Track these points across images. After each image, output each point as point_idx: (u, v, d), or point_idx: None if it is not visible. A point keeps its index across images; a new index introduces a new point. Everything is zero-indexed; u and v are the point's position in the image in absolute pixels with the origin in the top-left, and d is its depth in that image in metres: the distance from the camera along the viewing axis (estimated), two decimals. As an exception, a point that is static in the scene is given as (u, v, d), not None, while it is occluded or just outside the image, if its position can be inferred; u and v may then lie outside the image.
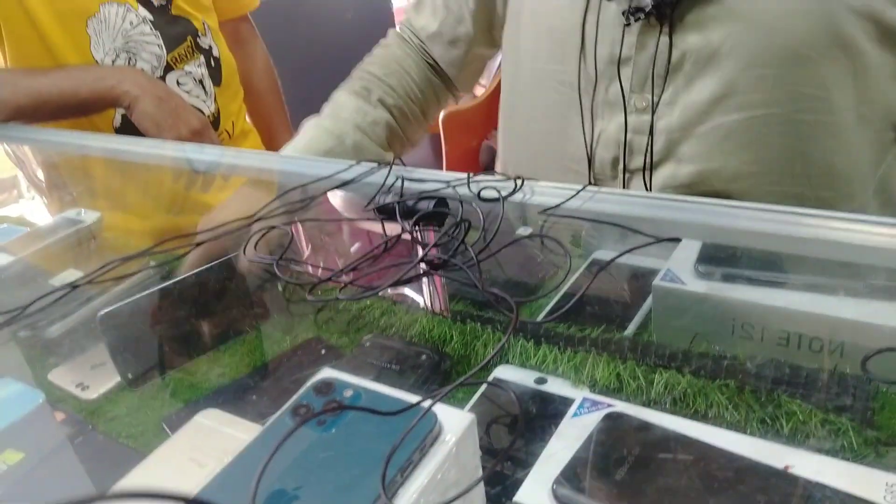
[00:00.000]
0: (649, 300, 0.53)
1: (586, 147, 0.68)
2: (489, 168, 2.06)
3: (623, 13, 0.61)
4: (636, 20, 0.60)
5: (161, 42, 1.03)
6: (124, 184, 0.95)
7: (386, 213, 0.48)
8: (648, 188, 0.66)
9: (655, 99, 0.62)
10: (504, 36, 0.79)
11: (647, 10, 0.59)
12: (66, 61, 0.98)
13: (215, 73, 1.11)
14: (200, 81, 1.08)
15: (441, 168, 1.82)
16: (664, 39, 0.60)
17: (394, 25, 2.90)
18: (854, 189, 0.63)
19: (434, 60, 0.85)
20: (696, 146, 0.62)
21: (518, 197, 0.50)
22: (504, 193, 0.49)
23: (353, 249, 0.63)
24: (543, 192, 0.51)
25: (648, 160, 0.65)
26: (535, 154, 0.76)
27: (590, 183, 0.69)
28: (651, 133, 0.63)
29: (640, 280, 0.55)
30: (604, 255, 0.57)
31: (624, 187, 0.68)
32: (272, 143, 1.29)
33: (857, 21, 0.56)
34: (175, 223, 0.98)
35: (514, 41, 0.76)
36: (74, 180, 1.00)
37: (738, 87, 0.59)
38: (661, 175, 0.65)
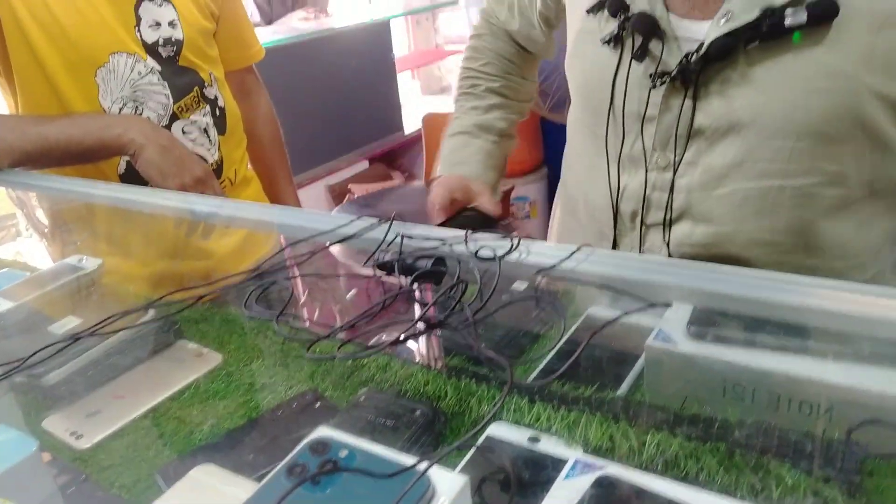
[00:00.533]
0: (642, 359, 0.54)
1: (611, 198, 0.70)
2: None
3: (650, 75, 0.63)
4: (661, 83, 0.63)
5: (168, 92, 1.06)
6: (126, 230, 0.97)
7: (385, 269, 0.49)
8: (666, 244, 0.67)
9: (677, 158, 0.64)
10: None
11: (672, 74, 0.61)
12: (75, 109, 1.00)
13: (220, 122, 1.14)
14: (205, 130, 1.11)
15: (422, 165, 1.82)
16: (688, 103, 0.62)
17: (395, 73, 2.98)
18: (866, 261, 0.65)
19: (520, 44, 0.93)
20: (713, 208, 0.64)
21: (514, 256, 0.52)
22: (500, 253, 0.51)
23: (349, 296, 0.64)
24: (540, 252, 0.53)
25: (667, 217, 0.66)
26: (573, 192, 0.82)
27: (614, 232, 0.72)
28: (671, 191, 0.65)
29: (634, 339, 0.56)
30: (598, 311, 0.58)
31: (641, 241, 0.70)
32: (273, 189, 1.31)
33: (879, 104, 0.57)
34: (176, 270, 0.99)
35: (569, 68, 0.79)
36: (76, 226, 1.02)
37: (756, 156, 0.60)
38: (678, 232, 0.66)
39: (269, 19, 3.03)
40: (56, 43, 0.98)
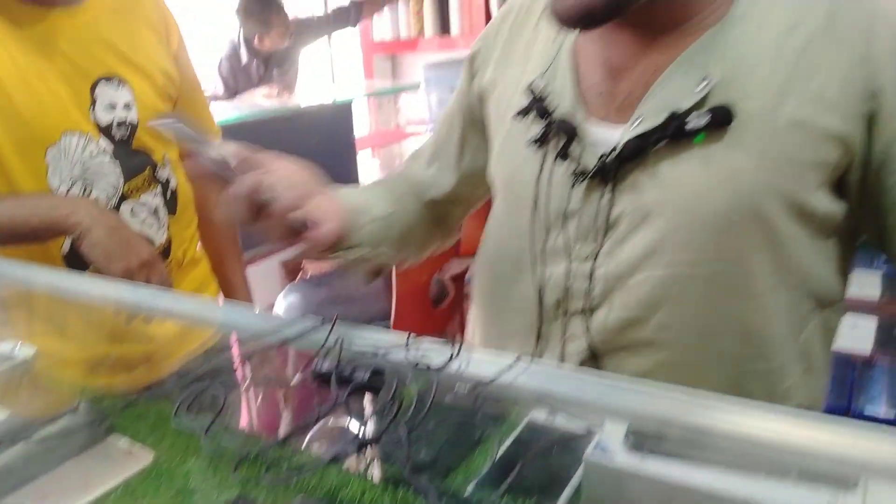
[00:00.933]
0: (580, 472, 0.54)
1: (535, 289, 0.75)
2: (440, 300, 2.09)
3: (572, 174, 0.70)
4: (582, 181, 0.69)
5: (119, 171, 1.06)
6: (65, 314, 0.94)
7: (323, 379, 0.49)
8: (587, 330, 0.71)
9: (596, 250, 0.70)
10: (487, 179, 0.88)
11: (590, 173, 0.68)
12: (22, 187, 0.99)
13: (171, 202, 1.14)
14: (155, 211, 1.10)
15: (391, 300, 1.83)
16: (605, 199, 0.68)
17: (355, 152, 3.02)
18: (771, 350, 0.68)
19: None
20: (628, 296, 0.68)
21: (454, 366, 0.52)
22: (440, 363, 0.51)
23: (284, 405, 0.63)
24: (479, 362, 0.53)
25: (587, 305, 0.71)
26: (493, 293, 0.83)
27: (539, 322, 0.75)
28: (590, 280, 0.70)
29: (572, 452, 0.56)
30: (537, 422, 0.58)
31: (564, 329, 0.74)
32: (222, 269, 1.30)
33: (775, 201, 0.63)
34: (116, 356, 0.97)
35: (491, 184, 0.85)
36: (11, 310, 0.98)
37: (665, 246, 0.66)
38: (598, 319, 0.71)
39: (233, 93, 3.07)
40: (7, 120, 0.97)
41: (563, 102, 0.71)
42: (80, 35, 1.02)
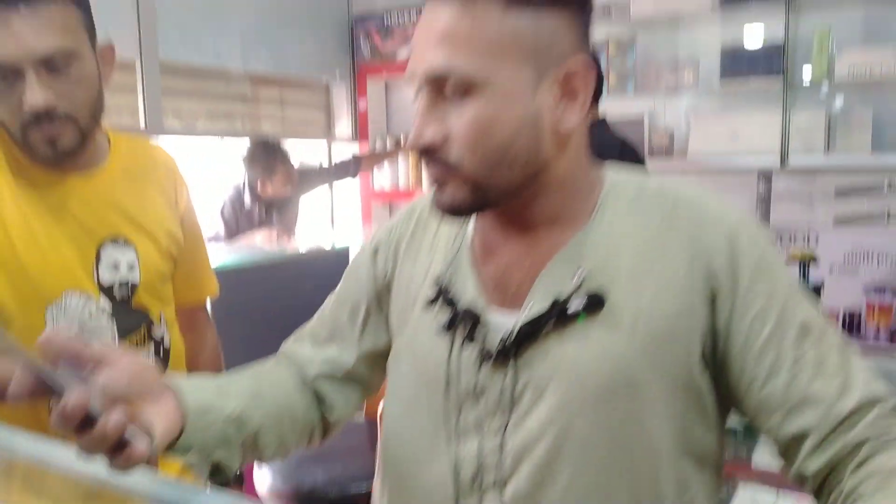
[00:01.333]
0: None
1: (451, 466, 0.79)
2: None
3: (478, 355, 0.77)
4: (487, 361, 0.77)
5: (115, 330, 1.07)
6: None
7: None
8: (502, 502, 0.76)
9: (504, 424, 0.76)
10: (388, 366, 0.91)
11: (493, 354, 0.76)
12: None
13: (162, 361, 1.14)
14: None
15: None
16: (509, 377, 0.76)
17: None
18: None
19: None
20: (534, 464, 0.74)
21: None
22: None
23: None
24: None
25: (499, 477, 0.76)
26: (406, 473, 0.85)
27: (456, 498, 0.78)
28: (501, 453, 0.76)
29: None
30: None
31: (480, 502, 0.77)
32: None
33: (651, 372, 0.72)
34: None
35: (393, 370, 0.89)
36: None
37: (562, 415, 0.73)
38: (509, 490, 0.76)
39: (233, 234, 3.14)
40: (12, 277, 0.99)
41: (466, 292, 0.80)
42: (91, 198, 1.07)
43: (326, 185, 3.63)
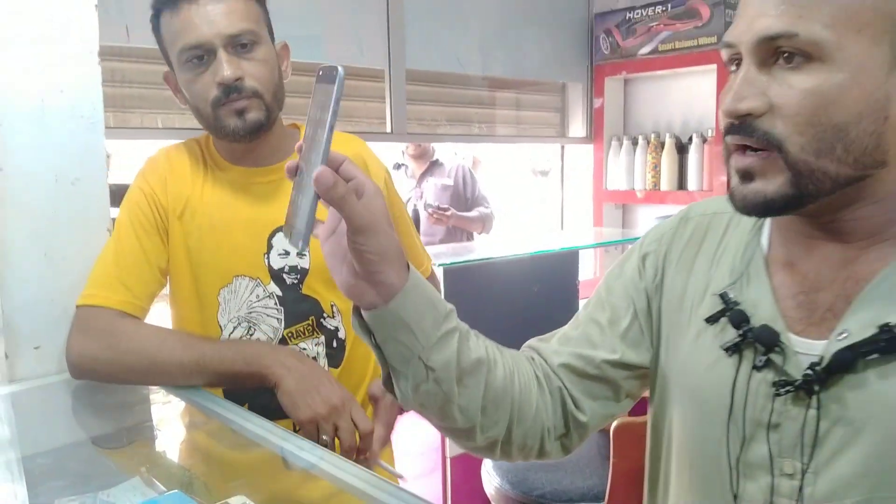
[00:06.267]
0: None
1: (731, 500, 0.72)
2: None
3: (773, 384, 0.69)
4: (786, 392, 0.68)
5: (282, 317, 1.12)
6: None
7: None
8: None
9: (803, 467, 0.67)
10: (656, 383, 0.84)
11: (797, 384, 0.67)
12: (191, 322, 1.11)
13: (336, 354, 1.16)
14: (314, 360, 1.13)
15: (607, 476, 1.65)
16: (812, 412, 0.67)
17: (577, 297, 3.00)
18: None
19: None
20: None
21: None
22: None
23: None
24: None
25: None
26: (688, 494, 0.78)
27: None
28: (800, 500, 0.67)
29: None
30: None
31: None
32: None
33: None
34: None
35: (663, 389, 0.83)
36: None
37: (879, 466, 0.64)
38: None
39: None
40: (192, 262, 1.11)
41: (758, 312, 0.72)
42: (269, 189, 1.14)
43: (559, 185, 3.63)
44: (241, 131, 1.08)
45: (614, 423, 1.52)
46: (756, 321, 0.71)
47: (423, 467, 2.34)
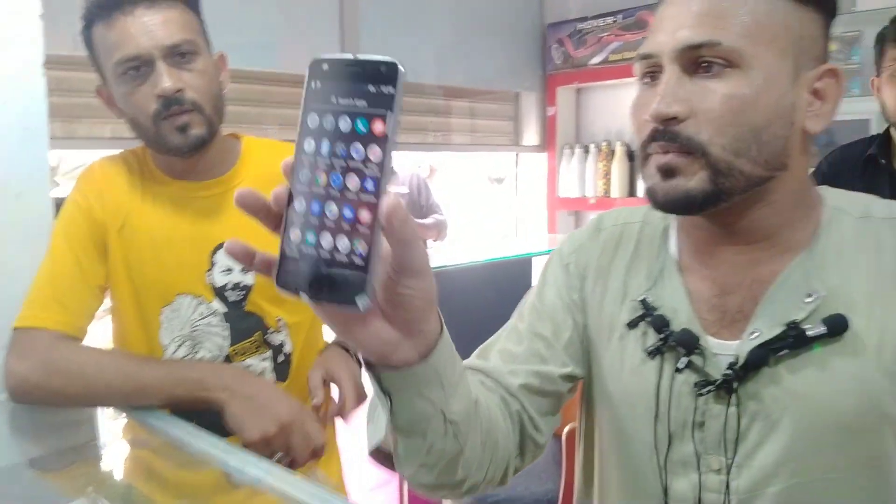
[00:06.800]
0: None
1: (659, 502, 0.75)
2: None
3: (695, 384, 0.73)
4: (708, 391, 0.72)
5: (227, 334, 1.11)
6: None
7: None
8: None
9: (728, 462, 0.71)
10: (588, 393, 0.87)
11: (717, 383, 0.71)
12: (133, 343, 1.09)
13: (281, 368, 1.14)
14: (261, 375, 1.12)
15: (560, 480, 1.67)
16: (732, 409, 0.71)
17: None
18: None
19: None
20: None
21: None
22: None
23: None
24: None
25: None
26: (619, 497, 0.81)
27: None
28: (726, 493, 0.71)
29: None
30: None
31: None
32: None
33: None
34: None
35: (589, 410, 0.86)
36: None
37: (796, 453, 0.69)
38: None
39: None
40: (132, 279, 1.08)
41: (677, 316, 0.75)
42: (210, 204, 1.12)
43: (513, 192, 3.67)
44: (184, 147, 1.06)
45: (566, 429, 1.55)
46: (676, 325, 0.75)
47: (379, 478, 2.33)
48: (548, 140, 3.62)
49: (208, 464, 0.93)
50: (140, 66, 1.03)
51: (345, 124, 0.46)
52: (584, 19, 3.36)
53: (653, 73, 0.72)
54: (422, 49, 3.05)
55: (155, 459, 1.08)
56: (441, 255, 3.01)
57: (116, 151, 1.20)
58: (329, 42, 2.64)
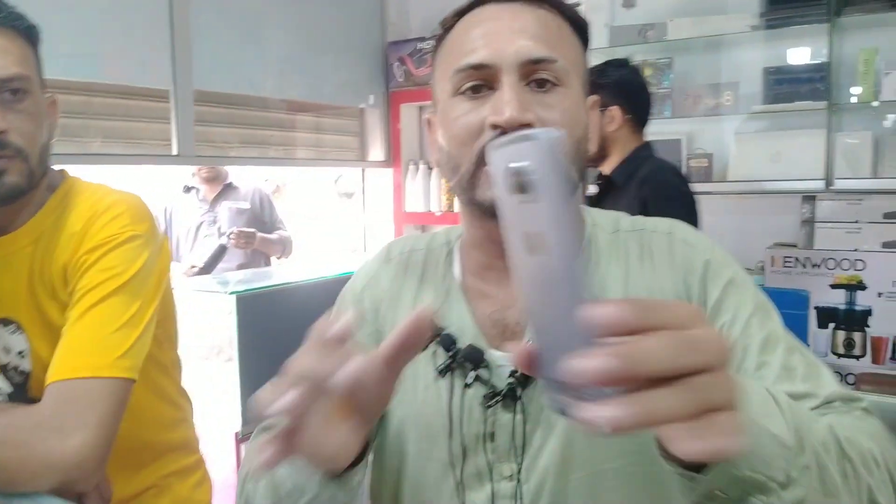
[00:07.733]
0: None
1: None
2: None
3: (483, 397, 0.75)
4: (495, 402, 0.75)
5: None
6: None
7: None
8: None
9: (517, 467, 0.74)
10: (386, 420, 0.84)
11: (502, 393, 0.74)
12: None
13: None
14: None
15: None
16: (518, 417, 0.74)
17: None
18: None
19: None
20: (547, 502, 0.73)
21: None
22: None
23: None
24: None
25: None
26: None
27: None
28: (517, 498, 0.74)
29: None
30: None
31: None
32: None
33: None
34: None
35: (382, 434, 0.83)
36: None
37: (574, 450, 0.72)
38: None
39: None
40: None
41: (464, 334, 0.79)
42: None
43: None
44: None
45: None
46: (462, 343, 0.78)
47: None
48: (393, 156, 3.65)
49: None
50: None
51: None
52: (423, 39, 3.43)
53: (477, 87, 0.72)
54: (260, 62, 2.97)
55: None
56: (285, 271, 2.93)
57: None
58: (159, 52, 2.50)
